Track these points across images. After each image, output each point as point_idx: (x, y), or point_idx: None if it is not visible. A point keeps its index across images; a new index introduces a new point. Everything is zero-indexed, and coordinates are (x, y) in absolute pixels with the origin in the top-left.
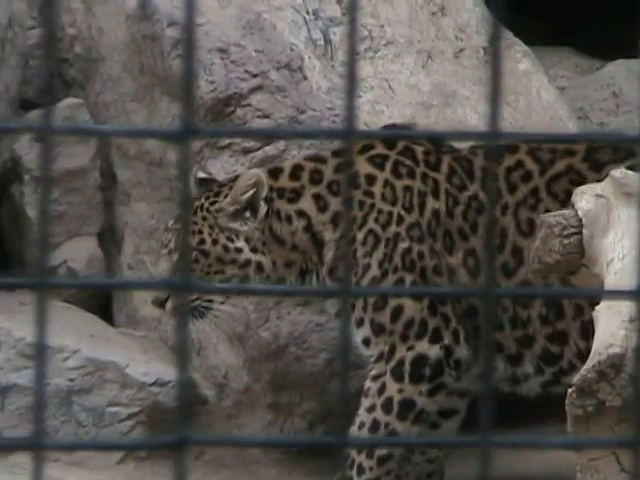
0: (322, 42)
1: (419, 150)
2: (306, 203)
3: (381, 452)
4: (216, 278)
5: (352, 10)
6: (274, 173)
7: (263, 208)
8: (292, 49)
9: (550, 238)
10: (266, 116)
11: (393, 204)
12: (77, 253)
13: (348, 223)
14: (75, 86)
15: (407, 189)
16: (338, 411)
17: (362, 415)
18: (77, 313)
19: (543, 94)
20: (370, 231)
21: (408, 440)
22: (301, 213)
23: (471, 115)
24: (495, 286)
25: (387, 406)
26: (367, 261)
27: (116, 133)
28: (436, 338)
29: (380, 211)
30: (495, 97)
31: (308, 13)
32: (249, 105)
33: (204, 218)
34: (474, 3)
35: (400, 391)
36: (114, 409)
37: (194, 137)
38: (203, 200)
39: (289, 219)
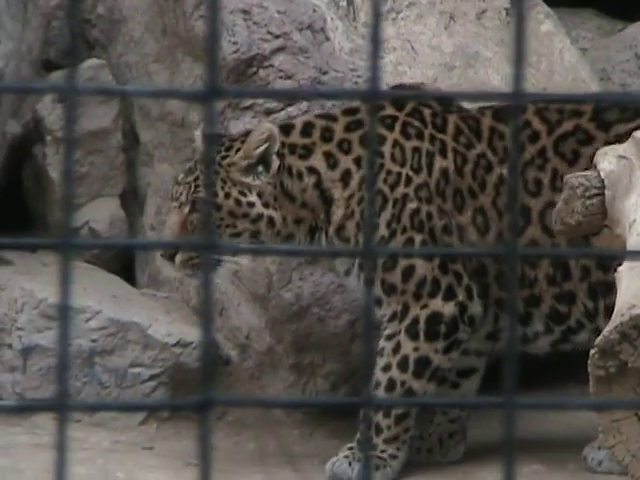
0: (344, 3)
1: (427, 112)
2: (317, 160)
3: (397, 410)
4: (227, 232)
5: None
6: (285, 129)
7: (275, 162)
8: (315, 10)
9: (573, 199)
10: (288, 77)
11: (402, 165)
12: (99, 214)
13: (372, 184)
14: (97, 47)
15: (415, 150)
16: (362, 372)
17: (377, 374)
18: (99, 274)
19: (565, 55)
20: (378, 191)
21: (433, 401)
22: (311, 170)
23: (493, 76)
24: (515, 245)
25: (403, 364)
26: (374, 221)
27: (141, 93)
28: (450, 295)
29: (389, 172)
30: (519, 58)
31: None
32: (271, 66)
33: (216, 172)
34: None
35: (415, 349)
36: (136, 370)
37: (218, 98)
38: (214, 154)
39: (300, 175)
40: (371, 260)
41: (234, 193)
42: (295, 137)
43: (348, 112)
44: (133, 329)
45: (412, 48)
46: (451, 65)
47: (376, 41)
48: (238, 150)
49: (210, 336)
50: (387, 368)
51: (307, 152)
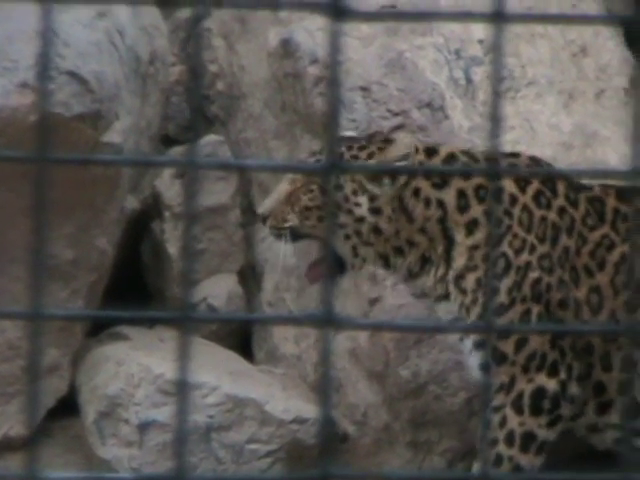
0: (463, 81)
1: (561, 183)
2: (449, 196)
3: None
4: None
5: (495, 50)
6: (429, 152)
7: (403, 179)
8: (434, 88)
9: None
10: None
11: (528, 231)
12: (217, 290)
13: (492, 266)
14: (217, 123)
15: (543, 219)
16: (480, 447)
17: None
18: (217, 350)
19: None
20: (503, 254)
21: (546, 477)
22: (441, 203)
23: (611, 155)
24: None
25: (509, 439)
26: (495, 284)
27: (261, 168)
28: (553, 372)
29: (515, 235)
30: (637, 137)
31: (450, 52)
32: None
33: None
34: (615, 44)
35: (521, 424)
36: (253, 446)
37: (337, 172)
38: (344, 149)
39: (427, 203)
40: (491, 336)
41: (347, 189)
42: (436, 162)
43: (490, 160)
44: (250, 405)
45: (531, 127)
46: (569, 144)
47: (496, 119)
48: (370, 154)
49: (329, 411)
50: (494, 443)
51: (443, 183)
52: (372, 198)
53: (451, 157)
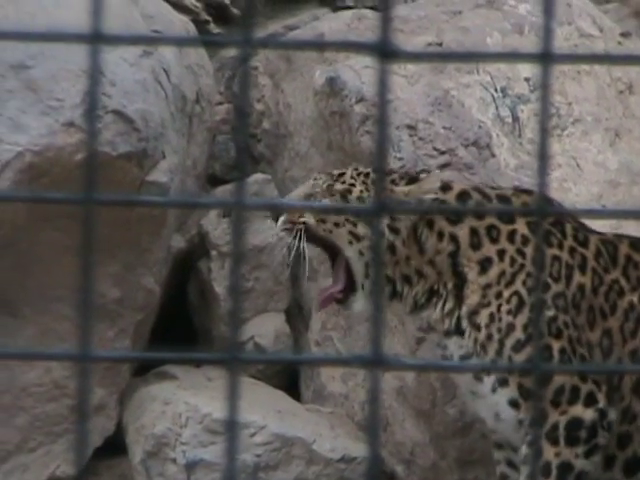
0: (510, 119)
1: (568, 226)
2: (462, 232)
3: None
4: (347, 228)
5: (543, 89)
6: (443, 187)
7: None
8: (480, 126)
9: None
10: None
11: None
12: (264, 329)
13: (539, 310)
14: (263, 162)
15: (556, 259)
16: None
17: None
18: (264, 389)
19: None
20: (516, 292)
21: None
22: (454, 238)
23: None
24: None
25: (546, 471)
26: (510, 320)
27: (307, 208)
28: (590, 401)
29: (529, 274)
30: None
31: (496, 90)
32: None
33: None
34: None
35: (557, 455)
36: None
37: (385, 213)
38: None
39: (440, 236)
40: (539, 378)
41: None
42: (450, 198)
43: (502, 199)
44: (297, 444)
45: (577, 165)
46: (616, 182)
47: (544, 157)
48: (393, 181)
49: (377, 450)
50: (532, 476)
51: (457, 219)
52: (393, 217)
53: (464, 193)
